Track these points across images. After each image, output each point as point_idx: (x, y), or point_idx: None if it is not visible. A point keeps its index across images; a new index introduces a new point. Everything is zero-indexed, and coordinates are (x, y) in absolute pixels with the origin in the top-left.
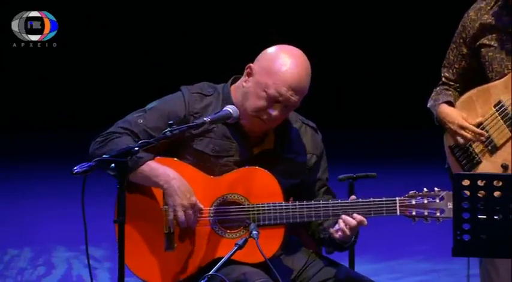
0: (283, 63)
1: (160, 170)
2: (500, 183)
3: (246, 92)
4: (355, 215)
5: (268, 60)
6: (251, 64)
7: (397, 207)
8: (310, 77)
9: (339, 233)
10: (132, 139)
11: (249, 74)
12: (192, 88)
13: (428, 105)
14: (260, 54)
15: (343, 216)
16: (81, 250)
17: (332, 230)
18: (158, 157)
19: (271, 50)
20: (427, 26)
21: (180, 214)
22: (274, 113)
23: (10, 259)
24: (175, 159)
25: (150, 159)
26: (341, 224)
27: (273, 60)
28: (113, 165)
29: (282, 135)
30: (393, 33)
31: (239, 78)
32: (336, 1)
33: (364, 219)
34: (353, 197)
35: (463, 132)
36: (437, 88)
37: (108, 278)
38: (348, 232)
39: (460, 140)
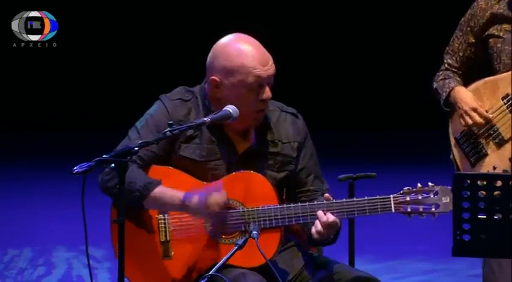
0: (239, 52)
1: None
2: (501, 183)
3: (225, 101)
4: (328, 214)
5: (227, 61)
6: (213, 77)
7: (392, 205)
8: None
9: (314, 229)
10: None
11: (218, 86)
12: (171, 95)
13: (435, 85)
14: (211, 61)
15: (318, 212)
16: (81, 250)
17: (311, 227)
18: (154, 166)
19: (220, 51)
20: (427, 27)
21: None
22: (266, 95)
23: (10, 259)
24: (170, 167)
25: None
26: (317, 220)
27: (230, 57)
28: (112, 165)
29: (262, 130)
30: (394, 34)
31: None
32: (334, 1)
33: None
34: (327, 195)
35: (473, 113)
36: (442, 72)
37: (108, 278)
38: (321, 228)
39: (469, 121)
